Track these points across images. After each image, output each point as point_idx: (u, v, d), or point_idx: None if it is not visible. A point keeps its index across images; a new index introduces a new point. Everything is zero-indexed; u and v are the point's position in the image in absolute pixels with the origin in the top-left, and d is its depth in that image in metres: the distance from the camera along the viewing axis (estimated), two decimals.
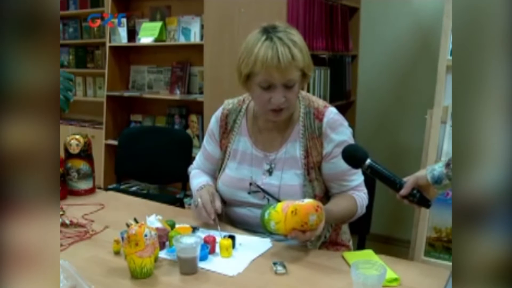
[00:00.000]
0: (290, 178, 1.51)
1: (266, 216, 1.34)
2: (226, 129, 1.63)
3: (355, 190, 1.54)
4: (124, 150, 2.81)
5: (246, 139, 1.59)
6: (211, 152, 1.68)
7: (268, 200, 1.50)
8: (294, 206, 1.28)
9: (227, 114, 1.64)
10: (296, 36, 1.43)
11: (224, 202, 1.65)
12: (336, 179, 1.53)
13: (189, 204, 1.54)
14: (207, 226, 1.52)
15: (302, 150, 1.51)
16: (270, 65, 1.37)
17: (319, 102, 1.55)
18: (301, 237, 1.29)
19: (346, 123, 1.54)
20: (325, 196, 1.55)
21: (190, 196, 2.10)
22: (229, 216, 1.64)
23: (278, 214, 1.31)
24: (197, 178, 1.69)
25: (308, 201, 1.29)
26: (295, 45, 1.40)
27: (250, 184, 1.54)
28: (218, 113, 1.67)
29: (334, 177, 1.52)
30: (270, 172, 1.54)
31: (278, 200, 1.45)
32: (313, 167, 1.50)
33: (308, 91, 2.65)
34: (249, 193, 1.54)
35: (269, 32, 1.41)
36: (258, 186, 1.52)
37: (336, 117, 1.52)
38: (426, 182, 1.27)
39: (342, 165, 1.43)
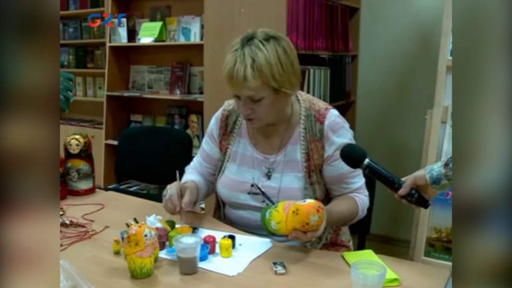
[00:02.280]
0: (291, 181, 1.50)
1: (267, 216, 1.34)
2: (226, 131, 1.62)
3: (357, 193, 1.53)
4: (124, 150, 2.81)
5: (246, 141, 1.59)
6: (209, 152, 1.67)
7: (267, 204, 1.49)
8: (295, 206, 1.27)
9: (228, 115, 1.63)
10: (267, 51, 1.35)
11: (223, 203, 1.65)
12: (338, 181, 1.52)
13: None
14: (207, 226, 1.52)
15: (303, 152, 1.51)
16: (227, 79, 1.39)
17: (320, 104, 1.54)
18: (302, 238, 1.28)
19: (347, 125, 1.53)
20: (326, 199, 1.55)
21: None
22: (229, 218, 1.64)
23: (279, 214, 1.31)
24: (186, 175, 1.70)
25: (309, 201, 1.29)
26: (253, 64, 1.34)
27: (252, 185, 1.54)
28: (218, 114, 1.66)
29: (335, 179, 1.52)
30: (268, 176, 1.53)
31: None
32: (314, 170, 1.50)
33: (308, 91, 2.65)
34: (249, 193, 1.54)
35: (243, 43, 1.39)
36: (259, 189, 1.52)
37: (337, 119, 1.51)
38: (425, 182, 1.27)
39: (344, 167, 1.43)
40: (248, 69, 1.34)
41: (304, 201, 1.29)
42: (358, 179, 1.54)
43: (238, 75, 1.34)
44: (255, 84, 1.35)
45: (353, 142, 1.51)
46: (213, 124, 1.66)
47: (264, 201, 1.51)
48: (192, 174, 1.70)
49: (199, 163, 1.72)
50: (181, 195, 1.47)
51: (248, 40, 1.39)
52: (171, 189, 1.49)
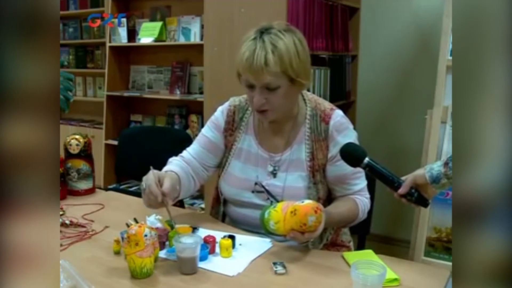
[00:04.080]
0: (295, 180, 1.51)
1: (266, 215, 1.34)
2: (233, 126, 1.61)
3: (358, 195, 1.53)
4: (124, 150, 2.81)
5: (251, 138, 1.59)
6: (212, 139, 1.61)
7: (271, 202, 1.49)
8: (293, 207, 1.27)
9: (234, 111, 1.62)
10: (284, 40, 1.38)
11: (224, 201, 1.65)
12: (340, 182, 1.52)
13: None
14: (207, 226, 1.52)
15: (307, 152, 1.51)
16: (245, 67, 1.38)
17: (326, 105, 1.55)
18: (300, 238, 1.28)
19: (351, 126, 1.53)
20: (328, 199, 1.55)
21: None
22: (231, 216, 1.64)
23: (278, 214, 1.31)
24: (167, 166, 1.59)
25: (308, 202, 1.29)
26: (275, 50, 1.36)
27: (256, 183, 1.54)
28: (225, 107, 1.64)
29: (337, 180, 1.52)
30: (274, 174, 1.54)
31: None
32: (318, 170, 1.50)
33: (308, 91, 2.65)
34: (253, 191, 1.54)
35: (261, 32, 1.41)
36: (263, 187, 1.52)
37: (342, 120, 1.51)
38: (424, 181, 1.27)
39: (346, 168, 1.43)
40: (269, 54, 1.36)
41: (303, 202, 1.29)
42: (360, 181, 1.54)
43: (259, 60, 1.35)
44: (275, 70, 1.36)
45: (357, 143, 1.51)
46: (219, 115, 1.63)
47: (268, 198, 1.51)
48: (174, 165, 1.59)
49: (195, 152, 1.63)
50: (160, 184, 1.37)
51: (266, 29, 1.41)
52: (147, 180, 1.38)
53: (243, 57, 1.38)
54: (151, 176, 1.38)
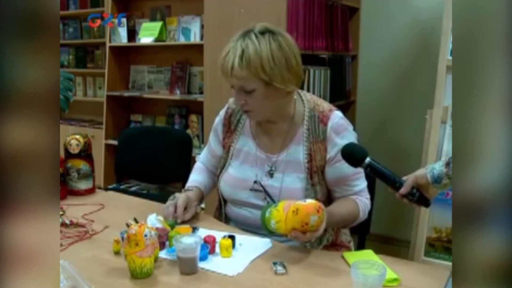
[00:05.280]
0: (292, 181, 1.50)
1: (267, 214, 1.33)
2: (230, 129, 1.63)
3: (358, 195, 1.53)
4: (124, 150, 2.81)
5: (249, 140, 1.59)
6: (214, 148, 1.70)
7: (268, 202, 1.49)
8: (295, 206, 1.27)
9: (231, 113, 1.64)
10: (260, 44, 1.38)
11: (224, 201, 1.65)
12: (340, 183, 1.52)
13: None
14: (207, 226, 1.52)
15: (305, 153, 1.50)
16: (220, 68, 1.44)
17: (324, 106, 1.54)
18: (301, 238, 1.28)
19: (351, 128, 1.52)
20: (327, 200, 1.55)
21: None
22: (230, 217, 1.64)
23: (279, 213, 1.30)
24: (194, 174, 1.75)
25: (309, 201, 1.28)
26: (243, 55, 1.37)
27: (255, 182, 1.54)
28: (222, 112, 1.68)
29: (337, 181, 1.52)
30: (271, 174, 1.54)
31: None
32: (316, 171, 1.50)
33: (308, 91, 2.65)
34: (251, 190, 1.54)
35: (243, 35, 1.42)
36: (262, 186, 1.52)
37: (341, 121, 1.51)
38: (426, 181, 1.27)
39: (346, 169, 1.43)
40: (236, 59, 1.38)
41: (305, 201, 1.28)
42: (360, 182, 1.53)
43: (227, 63, 1.40)
44: (242, 74, 1.39)
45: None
46: (217, 122, 1.68)
47: (265, 198, 1.51)
48: (200, 173, 1.74)
49: (207, 157, 1.75)
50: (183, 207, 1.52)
51: (246, 33, 1.43)
52: (179, 199, 1.54)
53: (221, 57, 1.43)
54: (182, 201, 1.54)
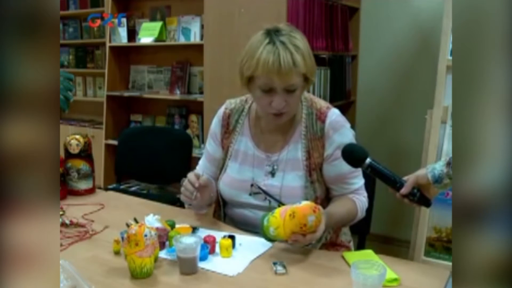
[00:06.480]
0: (292, 179, 1.50)
1: (265, 222, 1.33)
2: (228, 129, 1.62)
3: (356, 194, 1.53)
4: (124, 150, 2.81)
5: (248, 140, 1.59)
6: (212, 153, 1.66)
7: (270, 201, 1.49)
8: (291, 210, 1.27)
9: (229, 114, 1.63)
10: (300, 40, 1.40)
11: (223, 202, 1.65)
12: (337, 181, 1.52)
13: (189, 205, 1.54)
14: (207, 225, 1.52)
15: (304, 151, 1.51)
16: (271, 70, 1.35)
17: (322, 103, 1.55)
18: (302, 241, 1.28)
19: (348, 125, 1.53)
20: (326, 198, 1.55)
21: None
22: (230, 217, 1.64)
23: (277, 219, 1.30)
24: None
25: (305, 203, 1.28)
26: (298, 51, 1.37)
27: (252, 185, 1.54)
28: (220, 113, 1.66)
29: (335, 179, 1.52)
30: (272, 173, 1.53)
31: (279, 201, 1.45)
32: (314, 169, 1.50)
33: (308, 90, 2.64)
34: (250, 194, 1.54)
35: (272, 35, 1.39)
36: (260, 188, 1.52)
37: (338, 118, 1.51)
38: (427, 181, 1.27)
39: (343, 167, 1.43)
40: (295, 55, 1.36)
41: (300, 203, 1.28)
42: (358, 180, 1.54)
43: (286, 62, 1.35)
44: (303, 70, 1.38)
45: (354, 141, 1.51)
46: (215, 123, 1.66)
47: (266, 198, 1.51)
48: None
49: (205, 165, 1.69)
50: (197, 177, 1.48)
51: (276, 32, 1.40)
52: (188, 175, 1.50)
53: (267, 62, 1.35)
54: (192, 173, 1.50)
